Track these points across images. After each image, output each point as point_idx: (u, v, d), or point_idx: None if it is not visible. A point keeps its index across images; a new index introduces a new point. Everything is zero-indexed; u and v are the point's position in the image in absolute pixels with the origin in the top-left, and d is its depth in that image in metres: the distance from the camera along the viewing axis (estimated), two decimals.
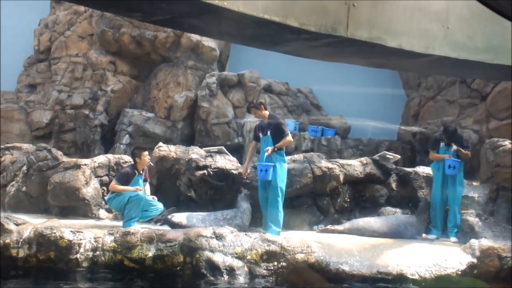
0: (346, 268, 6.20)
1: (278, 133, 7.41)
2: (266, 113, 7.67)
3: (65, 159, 8.98)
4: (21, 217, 6.90)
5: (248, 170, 8.02)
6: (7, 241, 6.23)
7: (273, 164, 7.29)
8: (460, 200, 7.98)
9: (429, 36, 5.81)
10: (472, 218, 7.80)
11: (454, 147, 7.90)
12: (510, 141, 8.80)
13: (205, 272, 5.96)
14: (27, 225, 6.50)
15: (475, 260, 6.46)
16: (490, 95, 11.03)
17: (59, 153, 9.13)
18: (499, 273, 6.38)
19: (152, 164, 7.91)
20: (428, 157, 8.57)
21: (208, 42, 13.17)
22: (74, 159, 9.03)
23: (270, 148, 7.32)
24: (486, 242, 6.65)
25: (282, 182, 7.34)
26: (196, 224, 7.26)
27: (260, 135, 7.62)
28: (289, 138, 7.46)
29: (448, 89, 12.20)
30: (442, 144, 8.15)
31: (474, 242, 6.70)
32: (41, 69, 14.09)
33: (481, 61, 6.22)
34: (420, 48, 5.75)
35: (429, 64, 6.46)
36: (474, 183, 9.30)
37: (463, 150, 7.95)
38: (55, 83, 13.58)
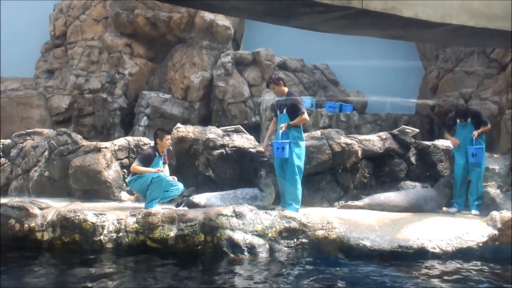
0: (367, 243, 6.20)
1: (293, 111, 7.35)
2: (285, 89, 7.57)
3: (85, 143, 9.08)
4: (45, 201, 7.03)
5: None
6: (32, 224, 6.37)
7: (289, 141, 7.28)
8: (483, 173, 7.91)
9: (446, 5, 5.70)
10: (493, 190, 7.74)
11: (475, 134, 7.81)
12: None
13: (226, 250, 6.02)
14: (51, 209, 6.62)
15: (496, 232, 6.41)
16: (509, 64, 10.81)
17: (79, 137, 9.23)
18: None
19: (171, 148, 7.94)
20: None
21: (222, 21, 13.11)
22: (94, 143, 9.12)
23: (284, 125, 7.30)
24: (507, 214, 6.59)
25: (299, 159, 7.32)
26: (216, 203, 7.32)
27: (278, 112, 7.59)
28: (305, 116, 7.37)
29: (467, 60, 11.99)
30: (458, 121, 8.08)
31: (495, 214, 6.64)
32: (58, 54, 14.19)
33: (500, 29, 6.10)
34: (437, 18, 5.66)
35: (446, 34, 6.35)
36: (495, 155, 9.19)
37: (482, 129, 7.88)
38: (72, 67, 13.68)
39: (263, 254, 6.00)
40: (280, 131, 7.33)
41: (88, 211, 6.45)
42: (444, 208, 7.90)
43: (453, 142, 8.13)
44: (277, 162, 7.49)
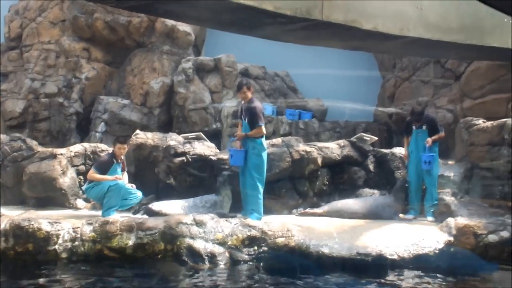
0: (326, 250, 6.25)
1: (252, 122, 7.26)
2: (250, 95, 7.46)
3: (40, 149, 8.85)
4: None
5: (226, 156, 8.02)
6: None
7: (244, 149, 7.21)
8: (437, 180, 8.11)
9: (404, 18, 5.86)
10: (448, 197, 7.92)
11: (429, 141, 7.98)
12: (483, 120, 8.94)
13: (186, 259, 5.96)
14: (3, 217, 6.40)
15: (451, 238, 6.58)
16: (463, 74, 11.16)
17: (34, 143, 8.98)
18: (475, 250, 6.51)
19: (122, 158, 7.69)
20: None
21: (183, 27, 13.02)
22: (50, 149, 8.90)
23: (240, 135, 7.27)
24: (462, 220, 6.77)
25: (258, 169, 7.22)
26: (175, 211, 7.23)
27: (242, 118, 7.52)
28: (261, 129, 7.21)
29: (423, 69, 12.30)
30: (414, 127, 8.25)
31: (450, 220, 6.82)
32: (13, 57, 13.77)
33: (454, 41, 6.30)
34: (395, 30, 5.81)
35: (404, 46, 6.52)
36: (450, 162, 9.44)
37: (435, 137, 8.07)
38: (28, 71, 13.29)
39: (223, 263, 5.97)
40: (236, 140, 7.29)
41: (43, 220, 6.27)
42: (401, 215, 8.04)
43: (405, 153, 8.31)
44: (241, 170, 7.41)
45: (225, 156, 8.21)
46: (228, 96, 12.30)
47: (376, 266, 6.11)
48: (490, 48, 6.58)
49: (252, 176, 7.21)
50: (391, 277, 5.89)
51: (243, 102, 7.57)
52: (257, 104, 7.49)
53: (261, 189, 7.28)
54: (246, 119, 7.36)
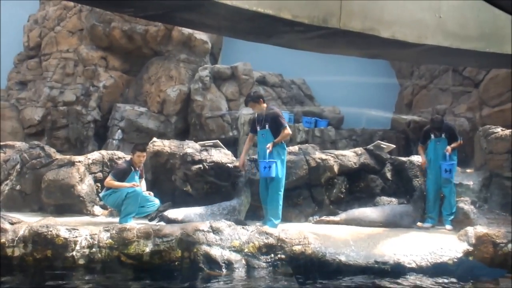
0: (342, 258, 6.22)
1: (276, 126, 7.29)
2: (264, 106, 7.50)
3: (58, 156, 8.93)
4: (15, 216, 6.87)
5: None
6: (2, 240, 6.21)
7: (276, 160, 7.20)
8: (455, 188, 8.03)
9: (422, 26, 5.83)
10: (467, 205, 7.83)
11: (449, 149, 7.92)
12: (502, 128, 8.84)
13: (203, 266, 5.97)
14: (22, 223, 6.47)
15: (470, 248, 6.50)
16: (482, 82, 11.08)
17: (52, 151, 9.07)
18: (494, 259, 6.43)
19: (141, 166, 7.75)
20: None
21: (200, 35, 13.13)
22: (68, 156, 8.98)
23: (270, 145, 7.21)
24: (481, 229, 6.70)
25: (282, 176, 7.30)
26: (192, 219, 7.24)
27: (258, 128, 7.51)
28: (287, 130, 7.31)
29: (441, 77, 12.23)
30: (432, 137, 8.19)
31: (469, 229, 6.75)
32: (32, 66, 13.98)
33: (473, 49, 6.25)
34: (413, 38, 5.78)
35: (422, 53, 6.48)
36: (468, 170, 9.34)
37: (454, 145, 8.00)
38: (46, 79, 13.48)
39: (240, 270, 5.96)
40: (267, 152, 7.22)
41: (61, 226, 6.32)
42: (419, 224, 7.97)
43: (423, 161, 8.25)
44: (263, 179, 7.41)
45: None
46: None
47: (394, 274, 6.05)
48: (510, 56, 6.52)
49: (278, 182, 7.23)
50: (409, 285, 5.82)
51: (257, 112, 7.59)
52: (275, 109, 7.57)
53: (281, 196, 7.29)
54: (267, 126, 7.36)
